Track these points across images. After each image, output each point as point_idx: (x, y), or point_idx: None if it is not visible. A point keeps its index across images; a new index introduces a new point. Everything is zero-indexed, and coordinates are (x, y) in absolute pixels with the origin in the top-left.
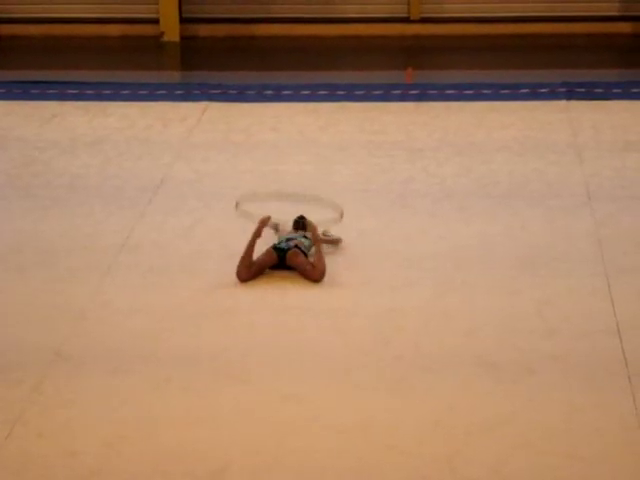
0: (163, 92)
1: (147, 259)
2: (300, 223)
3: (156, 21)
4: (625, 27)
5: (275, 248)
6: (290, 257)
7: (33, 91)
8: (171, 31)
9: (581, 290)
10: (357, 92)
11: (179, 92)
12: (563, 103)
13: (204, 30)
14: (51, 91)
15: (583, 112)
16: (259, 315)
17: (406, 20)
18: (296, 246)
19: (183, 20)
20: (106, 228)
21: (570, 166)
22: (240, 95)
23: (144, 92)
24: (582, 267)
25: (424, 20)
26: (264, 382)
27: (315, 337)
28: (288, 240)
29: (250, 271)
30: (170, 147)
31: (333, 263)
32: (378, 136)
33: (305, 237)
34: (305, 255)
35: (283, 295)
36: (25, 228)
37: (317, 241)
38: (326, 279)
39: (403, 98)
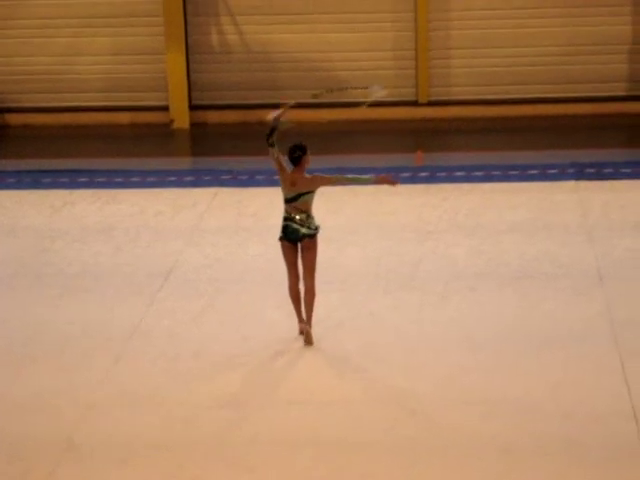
0: (173, 178)
1: (158, 346)
2: (296, 157)
3: (166, 108)
4: (633, 107)
5: (288, 240)
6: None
7: (44, 180)
8: (181, 118)
9: (595, 372)
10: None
11: (189, 178)
12: (572, 183)
13: (213, 116)
14: (62, 179)
15: (593, 192)
16: (267, 404)
17: (414, 103)
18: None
19: (192, 107)
20: (117, 315)
21: (581, 246)
22: (250, 180)
23: (154, 179)
24: (595, 349)
25: (432, 103)
26: (273, 471)
27: (326, 426)
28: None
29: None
30: (181, 233)
31: (344, 345)
32: (388, 218)
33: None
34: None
35: (292, 383)
36: (36, 317)
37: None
38: (336, 362)
39: (413, 180)
